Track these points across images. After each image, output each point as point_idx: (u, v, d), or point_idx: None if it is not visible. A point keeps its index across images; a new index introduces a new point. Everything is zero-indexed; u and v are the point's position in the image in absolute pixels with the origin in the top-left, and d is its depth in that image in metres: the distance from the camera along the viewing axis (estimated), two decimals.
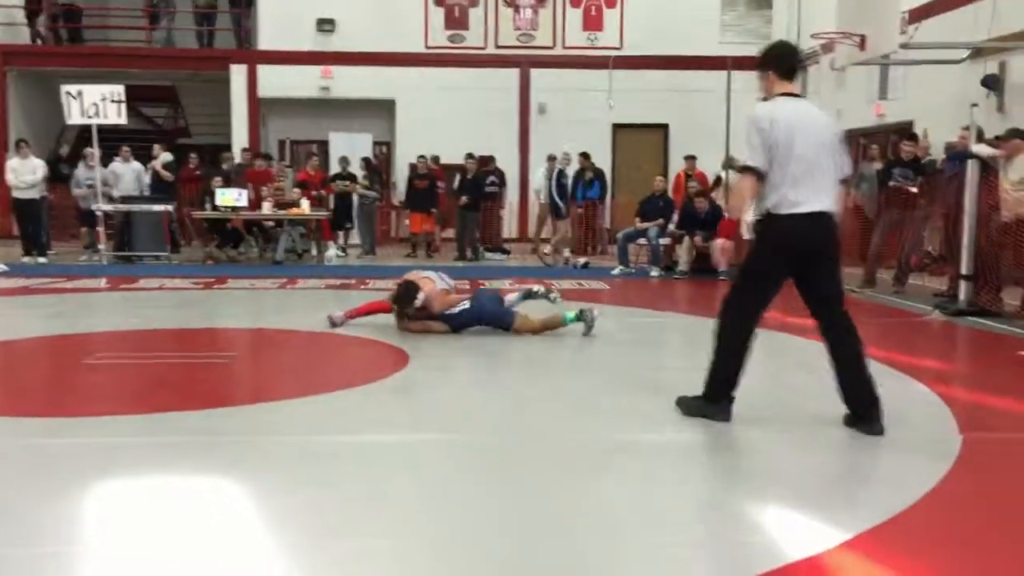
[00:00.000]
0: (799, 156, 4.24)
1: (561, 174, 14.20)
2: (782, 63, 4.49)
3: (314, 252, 14.05)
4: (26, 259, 13.21)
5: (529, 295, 7.54)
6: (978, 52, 11.34)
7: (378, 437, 4.39)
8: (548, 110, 17.64)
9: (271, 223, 13.74)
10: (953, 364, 6.90)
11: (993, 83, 11.18)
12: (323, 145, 17.61)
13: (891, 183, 10.18)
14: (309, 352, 6.78)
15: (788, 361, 6.75)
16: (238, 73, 17.67)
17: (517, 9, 17.95)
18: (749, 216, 6.21)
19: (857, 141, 15.05)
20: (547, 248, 14.21)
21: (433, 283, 7.07)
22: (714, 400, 4.55)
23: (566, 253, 13.87)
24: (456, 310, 7.01)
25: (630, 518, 3.31)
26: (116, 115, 13.07)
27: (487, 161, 15.30)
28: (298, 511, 3.35)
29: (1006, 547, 3.12)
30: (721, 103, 14.40)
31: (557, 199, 14.01)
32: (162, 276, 11.49)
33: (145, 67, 18.13)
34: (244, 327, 8.28)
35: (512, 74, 17.78)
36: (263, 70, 17.57)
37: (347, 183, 14.91)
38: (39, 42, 18.25)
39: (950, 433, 4.42)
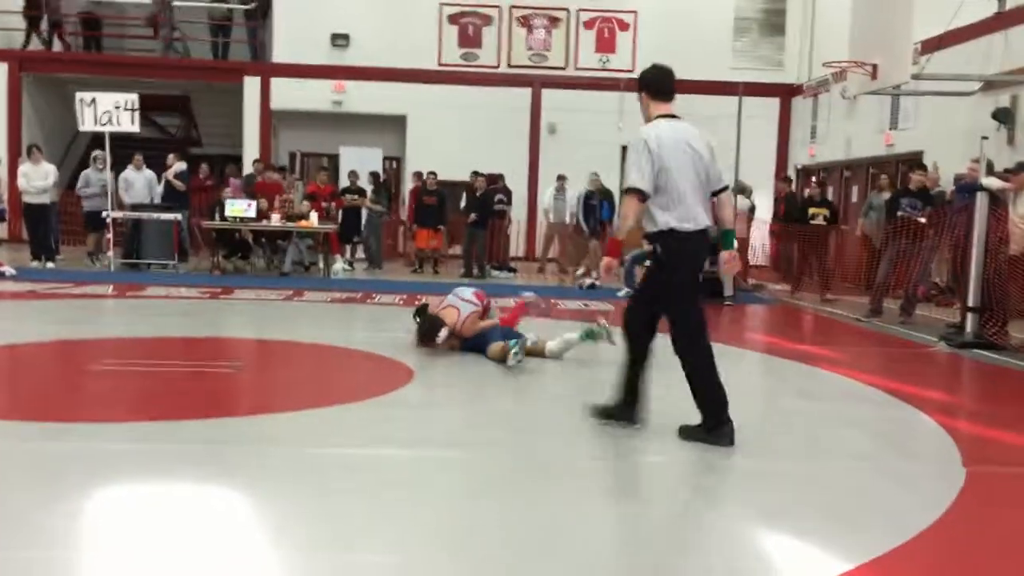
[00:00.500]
0: (685, 175, 4.43)
1: (590, 195, 14.26)
2: (654, 86, 4.62)
3: (321, 265, 14.07)
4: (34, 264, 13.26)
5: (590, 335, 6.90)
6: (990, 85, 11.37)
7: (379, 451, 4.38)
8: (558, 130, 17.71)
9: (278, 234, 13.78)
10: (958, 396, 6.87)
11: (1004, 116, 11.20)
12: (333, 159, 17.68)
13: (899, 213, 10.18)
14: (313, 365, 6.79)
15: (789, 388, 6.74)
16: (251, 85, 17.78)
17: (530, 29, 18.06)
18: None
19: (866, 170, 15.08)
20: (579, 271, 14.16)
21: (458, 312, 6.95)
22: (715, 428, 4.53)
23: (578, 272, 13.91)
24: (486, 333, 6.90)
25: (631, 538, 3.30)
26: (129, 123, 13.15)
27: (495, 179, 15.34)
28: (296, 522, 3.34)
29: None
30: (731, 129, 14.43)
31: (582, 220, 14.12)
32: (169, 284, 11.52)
33: (159, 77, 18.25)
34: (249, 337, 8.30)
35: (523, 93, 17.87)
36: (276, 83, 17.68)
37: (355, 197, 14.97)
38: (40, 47, 18.32)
39: (954, 466, 4.40)
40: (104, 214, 13.36)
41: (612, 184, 16.06)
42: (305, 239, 13.99)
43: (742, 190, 14.44)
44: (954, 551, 3.35)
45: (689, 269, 4.57)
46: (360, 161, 16.46)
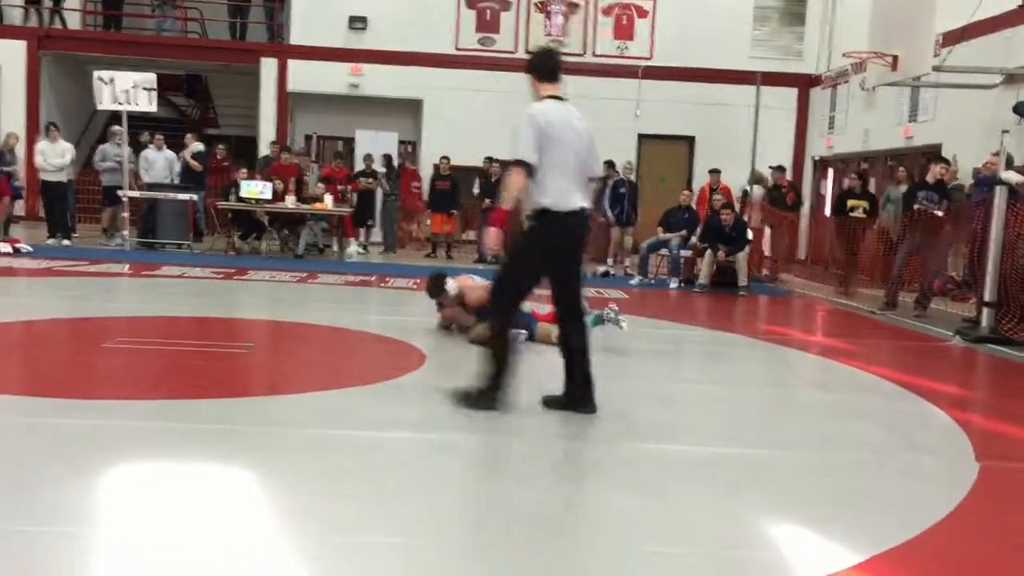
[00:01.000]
0: (567, 156, 4.55)
1: (619, 183, 14.11)
2: (542, 68, 4.79)
3: (335, 248, 14.09)
4: (50, 241, 13.33)
5: (599, 320, 6.98)
6: (1011, 78, 11.25)
7: (390, 434, 4.39)
8: None
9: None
10: (972, 391, 6.83)
11: None
12: (349, 142, 17.68)
13: (915, 206, 10.10)
14: (326, 347, 6.80)
15: (802, 380, 6.72)
16: (268, 66, 17.77)
17: (548, 15, 17.97)
18: None
19: (884, 161, 14.97)
20: (627, 262, 14.01)
21: (471, 279, 7.12)
22: (491, 391, 4.67)
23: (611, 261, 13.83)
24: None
25: (638, 526, 3.30)
26: (147, 103, 13.20)
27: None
28: (306, 503, 3.35)
29: None
30: (749, 117, 14.36)
31: (608, 209, 13.94)
32: (184, 264, 11.56)
33: (177, 57, 18.26)
34: (263, 319, 8.32)
35: None
36: (293, 65, 17.66)
37: (370, 180, 14.97)
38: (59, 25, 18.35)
39: (967, 460, 4.37)
40: (119, 192, 13.42)
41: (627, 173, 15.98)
42: (320, 222, 14.01)
43: (758, 180, 14.38)
44: (966, 545, 3.34)
45: (555, 247, 4.65)
46: (375, 145, 16.45)
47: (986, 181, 9.08)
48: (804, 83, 17.82)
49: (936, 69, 10.61)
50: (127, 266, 11.18)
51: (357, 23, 17.57)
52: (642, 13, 17.93)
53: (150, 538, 2.96)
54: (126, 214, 13.41)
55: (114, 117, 14.53)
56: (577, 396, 4.78)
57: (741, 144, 14.74)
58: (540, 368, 6.29)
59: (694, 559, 3.05)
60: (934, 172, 10.25)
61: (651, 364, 6.79)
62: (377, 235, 15.56)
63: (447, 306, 7.12)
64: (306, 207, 13.49)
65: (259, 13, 19.04)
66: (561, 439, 4.47)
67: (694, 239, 12.40)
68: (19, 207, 16.43)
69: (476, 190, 14.70)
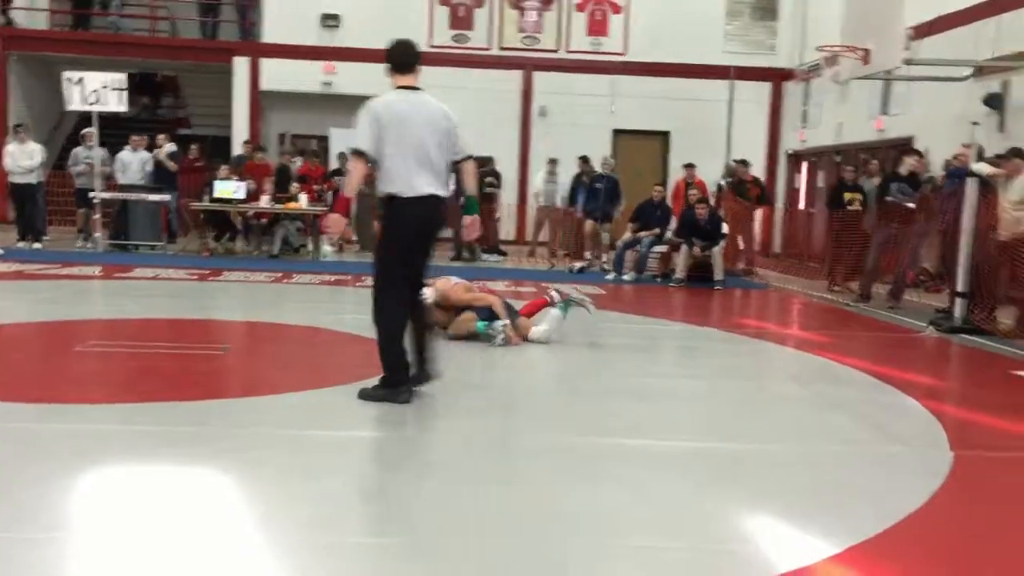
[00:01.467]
0: (412, 143, 4.71)
1: (597, 178, 14.02)
2: (394, 59, 4.95)
3: (310, 247, 14.02)
4: (21, 244, 13.17)
5: (568, 304, 7.05)
6: (981, 70, 11.35)
7: (366, 433, 4.37)
8: (549, 113, 17.64)
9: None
10: (946, 381, 6.90)
11: (995, 102, 11.19)
12: (323, 140, 17.58)
13: (888, 198, 10.18)
14: (302, 347, 6.76)
15: (778, 372, 6.76)
16: (241, 65, 17.63)
17: (522, 11, 17.95)
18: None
19: (857, 155, 15.08)
20: (603, 258, 13.87)
21: (448, 280, 7.11)
22: (394, 385, 4.78)
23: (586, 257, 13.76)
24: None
25: (616, 521, 3.30)
26: (117, 103, 13.04)
27: (484, 162, 15.27)
28: (283, 503, 3.33)
29: (995, 565, 3.12)
30: (723, 112, 14.41)
31: (579, 202, 13.84)
32: (157, 266, 11.46)
33: (148, 56, 18.09)
34: (238, 320, 8.26)
35: (515, 76, 17.77)
36: (266, 63, 17.54)
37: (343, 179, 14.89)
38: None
39: (941, 450, 4.41)
40: (91, 195, 13.27)
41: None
42: (295, 221, 13.93)
43: (733, 174, 14.44)
44: (941, 535, 3.36)
45: (406, 232, 4.80)
46: (350, 143, 16.32)
47: (957, 173, 9.18)
48: (777, 77, 17.92)
49: (907, 62, 10.69)
50: (99, 268, 11.06)
51: (330, 21, 17.48)
52: (616, 9, 17.96)
53: (128, 542, 2.93)
54: (98, 216, 13.26)
55: (84, 117, 14.37)
56: (421, 369, 4.92)
57: (715, 138, 14.80)
58: (516, 363, 6.30)
59: (675, 554, 3.06)
60: (907, 164, 10.34)
61: (628, 359, 6.80)
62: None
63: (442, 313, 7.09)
64: (279, 207, 13.40)
65: (231, 12, 18.89)
66: (538, 435, 4.47)
67: (669, 234, 12.43)
68: None
69: (452, 186, 14.63)
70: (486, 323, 6.75)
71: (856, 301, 10.27)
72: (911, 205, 10.04)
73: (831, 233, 12.19)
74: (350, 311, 8.95)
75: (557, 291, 7.28)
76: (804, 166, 17.30)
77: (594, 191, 13.80)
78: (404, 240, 4.82)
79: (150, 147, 14.35)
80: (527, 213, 16.94)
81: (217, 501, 3.38)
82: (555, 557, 2.98)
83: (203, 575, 2.74)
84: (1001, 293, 8.45)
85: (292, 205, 13.40)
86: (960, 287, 8.55)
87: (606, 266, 13.01)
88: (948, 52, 11.59)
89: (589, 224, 13.79)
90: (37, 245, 13.20)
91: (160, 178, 14.08)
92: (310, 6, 17.40)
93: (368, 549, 2.98)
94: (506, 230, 16.65)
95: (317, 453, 3.98)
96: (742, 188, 13.86)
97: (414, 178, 4.72)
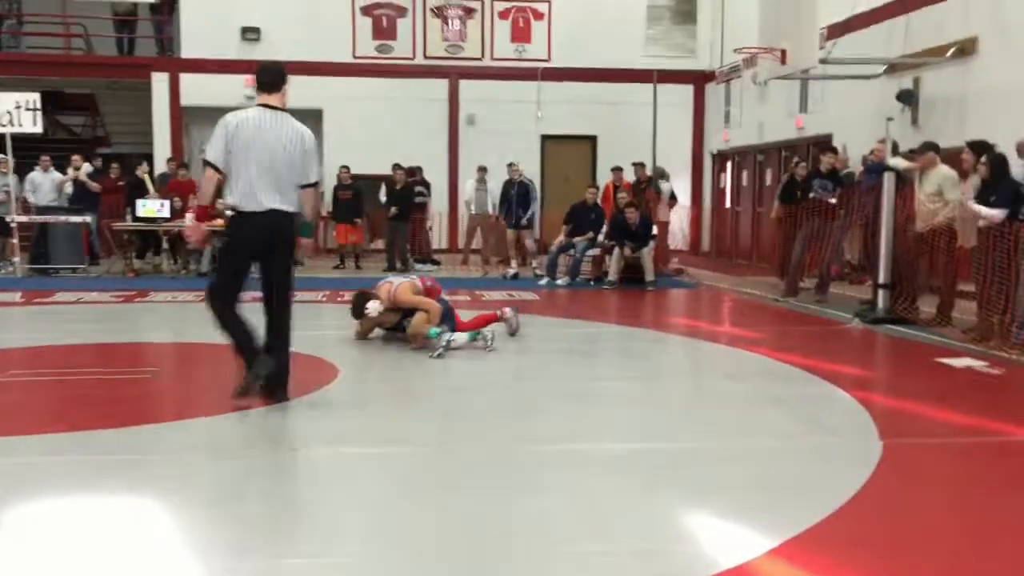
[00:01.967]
0: (258, 160, 4.89)
1: (509, 184, 14.06)
2: (258, 79, 5.21)
3: None
4: None
5: (474, 338, 7.02)
6: (893, 68, 11.71)
7: (303, 452, 4.31)
8: (477, 121, 17.65)
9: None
10: (873, 371, 7.08)
11: (908, 98, 11.55)
12: None
13: (811, 195, 10.41)
14: (234, 367, 6.62)
15: (711, 369, 6.86)
16: (160, 81, 17.28)
17: (445, 20, 17.94)
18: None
19: (779, 153, 15.41)
20: (535, 263, 13.84)
21: (391, 284, 7.13)
22: (253, 365, 5.03)
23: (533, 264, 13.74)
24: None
25: (560, 528, 3.31)
26: (31, 124, 12.65)
27: (413, 171, 15.23)
28: (218, 527, 3.27)
29: (928, 550, 3.21)
30: (648, 115, 14.59)
31: (502, 210, 13.94)
32: (80, 289, 11.14)
33: (63, 75, 17.62)
34: (166, 341, 8.08)
35: (441, 85, 17.76)
36: (186, 78, 17.21)
37: None
38: None
39: (871, 439, 4.53)
40: (8, 219, 12.85)
41: (532, 174, 16.09)
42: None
43: (661, 175, 14.63)
44: (875, 522, 3.44)
45: (244, 242, 5.05)
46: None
47: (875, 168, 9.41)
48: (699, 79, 18.22)
49: (823, 61, 10.96)
50: (19, 294, 10.71)
51: (250, 34, 17.23)
52: (538, 15, 18.06)
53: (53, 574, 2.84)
54: (15, 240, 12.84)
55: None
56: (248, 365, 5.05)
57: (641, 142, 14.95)
58: (451, 370, 6.28)
59: (617, 557, 3.08)
60: (826, 161, 10.59)
61: (564, 363, 6.83)
62: None
63: (373, 319, 7.21)
64: (207, 225, 13.13)
65: (147, 27, 18.49)
66: (476, 443, 4.46)
67: (601, 237, 12.53)
68: None
69: (383, 198, 14.56)
70: (438, 330, 6.75)
71: (784, 296, 10.48)
72: (832, 201, 10.29)
73: (781, 229, 11.50)
74: None
75: (512, 311, 7.60)
76: (729, 165, 17.62)
77: (507, 197, 13.90)
78: (245, 250, 5.05)
79: (60, 168, 13.97)
80: (458, 221, 16.93)
81: (152, 529, 3.29)
82: (502, 567, 2.98)
83: None
84: (921, 283, 8.71)
85: (219, 222, 13.15)
86: (882, 279, 8.79)
87: (538, 271, 13.05)
88: (862, 50, 11.92)
89: (510, 231, 13.86)
90: None
91: (79, 199, 13.71)
92: (229, 19, 17.12)
93: (312, 568, 2.93)
94: (438, 239, 16.62)
95: (251, 475, 3.91)
96: (639, 188, 14.07)
97: (259, 193, 4.89)
